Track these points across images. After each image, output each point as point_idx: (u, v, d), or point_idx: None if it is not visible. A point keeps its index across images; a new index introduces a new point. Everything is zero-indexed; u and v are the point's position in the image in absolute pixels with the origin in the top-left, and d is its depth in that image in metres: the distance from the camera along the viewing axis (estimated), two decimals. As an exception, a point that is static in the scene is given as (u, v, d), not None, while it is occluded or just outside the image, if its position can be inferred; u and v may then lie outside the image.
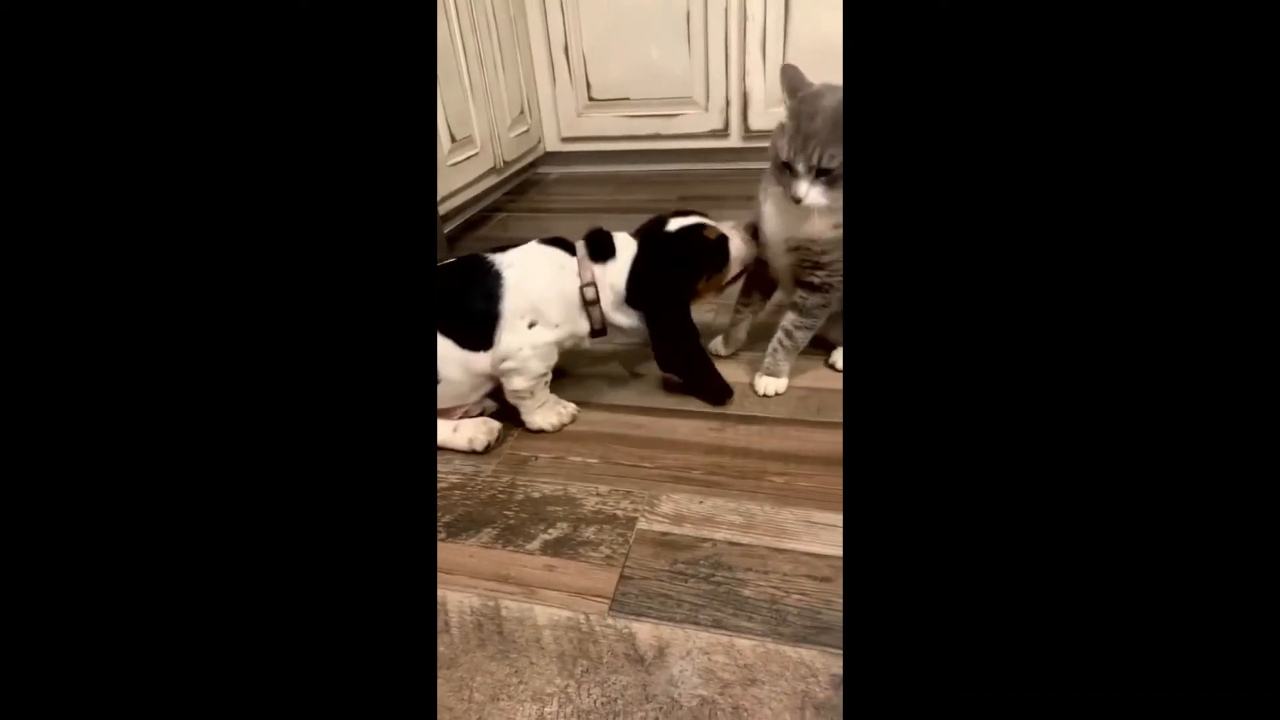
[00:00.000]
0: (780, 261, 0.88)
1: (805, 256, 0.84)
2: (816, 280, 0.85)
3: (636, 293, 0.85)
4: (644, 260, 0.85)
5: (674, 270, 0.86)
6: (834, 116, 0.73)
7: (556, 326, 0.84)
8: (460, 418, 0.88)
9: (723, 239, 0.88)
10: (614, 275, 0.85)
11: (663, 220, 0.89)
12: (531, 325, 0.82)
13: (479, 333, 0.82)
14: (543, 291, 0.83)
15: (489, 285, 0.82)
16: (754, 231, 0.89)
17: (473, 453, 0.84)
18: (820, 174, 0.75)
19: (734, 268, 0.90)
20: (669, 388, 0.95)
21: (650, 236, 0.88)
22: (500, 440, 0.87)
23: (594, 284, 0.85)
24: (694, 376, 0.89)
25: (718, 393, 0.89)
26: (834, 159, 0.74)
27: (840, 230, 0.80)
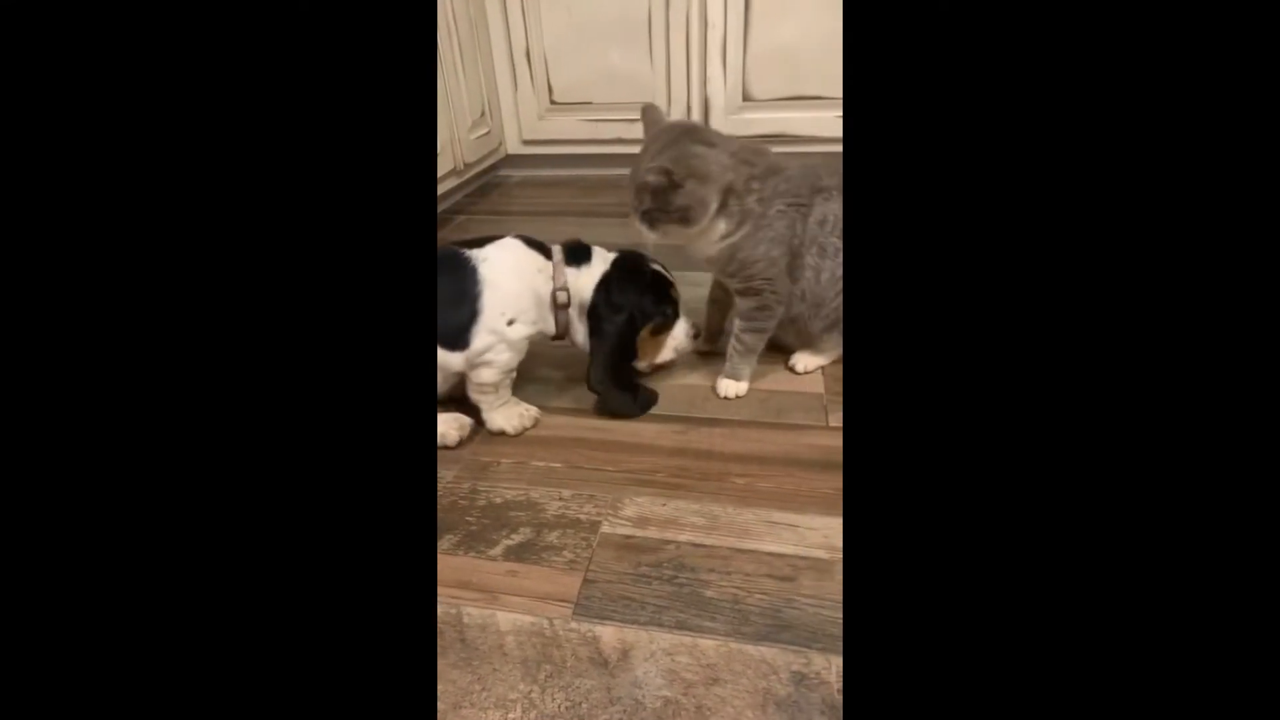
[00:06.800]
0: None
1: (717, 268, 0.90)
2: (738, 286, 0.89)
3: (596, 301, 0.87)
4: (613, 272, 0.88)
5: (633, 292, 0.88)
6: (640, 171, 0.81)
7: (533, 323, 0.85)
8: None
9: (676, 310, 0.92)
10: (585, 282, 0.87)
11: (646, 257, 0.93)
12: (510, 323, 0.82)
13: (454, 329, 0.81)
14: (522, 289, 0.83)
15: (464, 282, 0.81)
16: (696, 332, 0.96)
17: (444, 448, 0.84)
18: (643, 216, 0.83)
19: (667, 351, 0.94)
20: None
21: (628, 255, 0.91)
22: (471, 436, 0.86)
23: (567, 288, 0.86)
24: (613, 404, 0.89)
25: (624, 415, 0.90)
26: (644, 201, 0.81)
27: (727, 243, 0.85)
